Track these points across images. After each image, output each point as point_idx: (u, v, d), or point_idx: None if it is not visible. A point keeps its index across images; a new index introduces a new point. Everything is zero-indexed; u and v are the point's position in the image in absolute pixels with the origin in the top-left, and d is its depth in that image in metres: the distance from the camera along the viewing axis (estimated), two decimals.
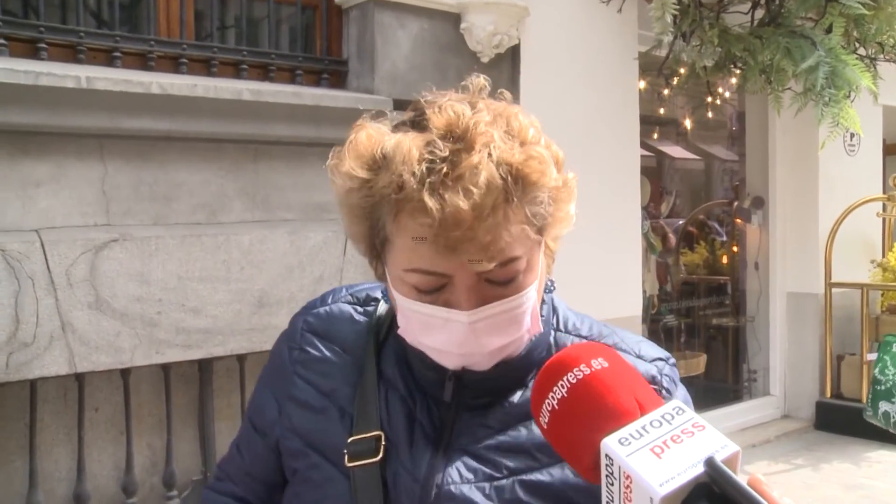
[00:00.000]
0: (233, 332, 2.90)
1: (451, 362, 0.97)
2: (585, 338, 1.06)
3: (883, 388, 5.01)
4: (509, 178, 0.88)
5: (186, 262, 2.82)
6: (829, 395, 5.98)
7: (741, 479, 0.64)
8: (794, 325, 6.21)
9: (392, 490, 0.99)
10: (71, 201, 2.69)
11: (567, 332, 1.07)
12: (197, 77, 3.03)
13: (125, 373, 2.80)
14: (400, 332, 1.00)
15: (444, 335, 0.93)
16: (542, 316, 1.02)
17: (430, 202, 0.85)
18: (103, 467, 2.86)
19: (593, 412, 0.73)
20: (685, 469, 0.65)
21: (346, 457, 1.00)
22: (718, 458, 0.65)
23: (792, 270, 6.25)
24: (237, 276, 2.93)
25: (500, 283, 0.92)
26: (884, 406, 4.99)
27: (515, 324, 0.95)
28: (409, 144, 0.89)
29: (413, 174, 0.87)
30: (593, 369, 0.75)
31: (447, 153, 0.87)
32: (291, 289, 3.05)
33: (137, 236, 2.73)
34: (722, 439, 0.68)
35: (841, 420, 5.81)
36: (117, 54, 2.91)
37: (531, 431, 0.99)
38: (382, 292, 1.14)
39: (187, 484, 3.01)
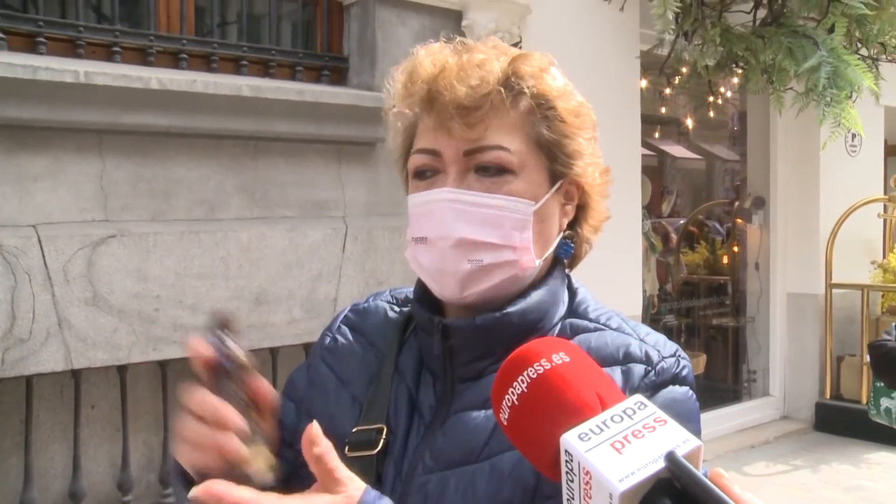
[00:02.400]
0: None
1: (430, 259, 0.99)
2: (591, 320, 1.05)
3: (882, 383, 5.00)
4: (511, 71, 0.98)
5: (184, 258, 2.80)
6: (828, 396, 5.98)
7: (701, 474, 0.63)
8: (794, 325, 6.21)
9: (384, 484, 0.98)
10: (69, 196, 2.68)
11: (580, 317, 1.07)
12: (197, 73, 3.02)
13: (122, 369, 2.78)
14: (408, 240, 1.03)
15: (429, 221, 0.99)
16: (546, 285, 1.03)
17: (422, 89, 0.98)
18: (99, 464, 2.85)
19: (553, 408, 0.72)
20: (645, 464, 0.63)
21: (346, 447, 1.00)
22: (680, 453, 0.64)
23: (792, 271, 6.25)
24: (235, 273, 2.91)
25: (487, 174, 0.98)
26: (885, 402, 4.98)
27: (495, 226, 0.98)
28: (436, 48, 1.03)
29: (433, 63, 0.99)
30: (554, 364, 0.74)
31: (449, 59, 0.99)
32: (290, 286, 3.04)
33: (135, 232, 2.72)
34: (683, 434, 0.66)
35: (840, 421, 5.81)
36: (117, 49, 2.89)
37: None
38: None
39: None
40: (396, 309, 1.16)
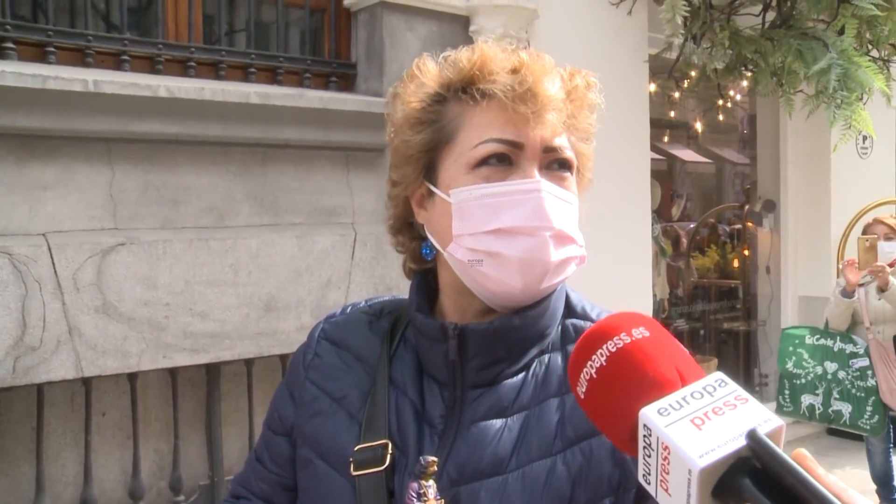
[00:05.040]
0: (240, 336, 2.89)
1: (521, 248, 0.96)
2: (591, 320, 1.05)
3: (803, 381, 4.97)
4: (574, 85, 1.01)
5: (194, 265, 2.81)
6: None
7: (785, 453, 0.61)
8: None
9: (398, 499, 0.97)
10: (78, 205, 2.69)
11: (580, 317, 1.07)
12: (205, 80, 3.03)
13: (132, 377, 2.79)
14: (455, 236, 0.99)
15: (520, 211, 0.96)
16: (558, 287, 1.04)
17: (513, 81, 0.96)
18: (110, 472, 2.85)
19: (633, 382, 0.71)
20: (726, 441, 0.62)
21: (351, 465, 0.99)
22: (762, 432, 0.62)
23: (803, 274, 6.21)
24: (245, 280, 2.91)
25: (558, 169, 0.99)
26: (807, 399, 4.95)
27: (573, 221, 0.99)
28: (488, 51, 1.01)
29: (495, 69, 0.98)
30: (634, 338, 0.73)
31: (522, 55, 0.99)
32: (299, 293, 3.04)
33: (145, 240, 2.73)
34: (766, 413, 0.64)
35: None
36: (125, 58, 2.90)
37: (529, 420, 0.98)
38: (396, 305, 1.16)
39: (195, 489, 2.99)
40: (375, 320, 1.14)
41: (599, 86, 1.06)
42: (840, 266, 5.23)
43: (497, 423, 0.97)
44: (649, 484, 0.67)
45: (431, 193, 1.03)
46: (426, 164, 1.03)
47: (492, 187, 0.97)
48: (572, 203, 1.00)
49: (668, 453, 0.64)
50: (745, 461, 0.62)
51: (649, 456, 0.66)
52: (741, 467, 0.62)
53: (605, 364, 0.73)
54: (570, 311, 1.07)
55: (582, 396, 0.75)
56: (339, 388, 1.07)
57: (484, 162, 0.97)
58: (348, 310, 1.17)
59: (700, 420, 0.64)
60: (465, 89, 0.99)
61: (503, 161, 0.97)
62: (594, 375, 0.73)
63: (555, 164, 0.99)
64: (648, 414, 0.66)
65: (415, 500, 0.92)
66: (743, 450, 0.62)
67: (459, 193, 0.98)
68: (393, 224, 1.13)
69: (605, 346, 0.74)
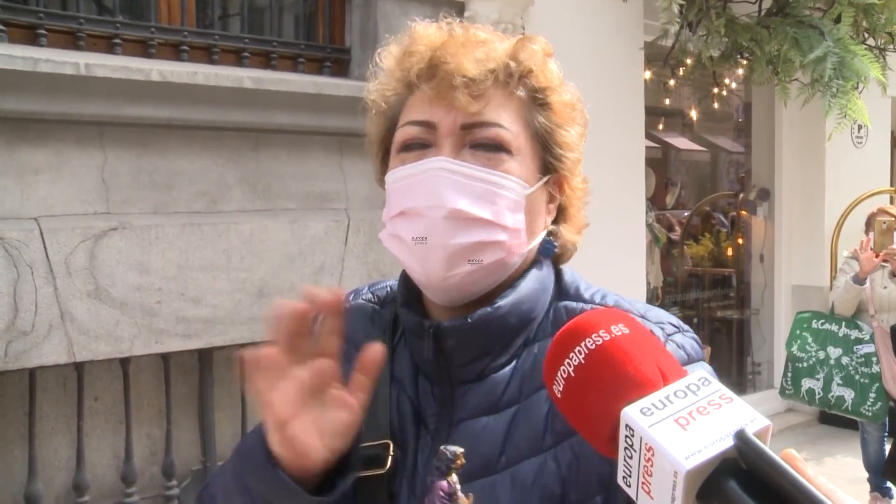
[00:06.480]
0: (233, 321, 2.89)
1: (415, 230, 0.93)
2: (585, 301, 1.00)
3: (805, 364, 5.00)
4: (514, 53, 0.97)
5: (186, 250, 2.80)
6: None
7: (775, 453, 0.59)
8: None
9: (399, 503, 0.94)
10: (70, 189, 2.67)
11: (573, 299, 1.01)
12: (198, 64, 3.01)
13: (125, 362, 2.78)
14: (383, 221, 0.99)
15: (418, 191, 0.93)
16: (531, 273, 0.99)
17: (425, 62, 0.95)
18: (102, 457, 2.85)
19: (613, 380, 0.68)
20: (712, 442, 0.60)
21: None
22: (749, 432, 0.60)
23: (797, 263, 6.23)
24: (237, 266, 2.91)
25: (484, 150, 0.94)
26: (807, 383, 4.98)
27: (490, 202, 0.93)
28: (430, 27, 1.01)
29: (435, 34, 0.98)
30: (613, 335, 0.70)
31: (460, 30, 0.98)
32: (292, 278, 3.03)
33: (137, 225, 2.72)
34: (751, 412, 0.62)
35: None
36: (117, 41, 2.88)
37: (518, 416, 0.94)
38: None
39: (187, 474, 3.00)
40: (379, 309, 1.09)
41: (554, 60, 1.03)
42: (843, 252, 5.23)
43: (485, 420, 0.94)
44: (629, 486, 0.65)
45: None
46: (382, 155, 1.03)
47: (401, 170, 0.95)
48: (495, 183, 0.93)
49: (653, 455, 0.62)
50: (730, 462, 0.60)
51: (630, 457, 0.64)
52: (726, 469, 0.60)
53: (583, 362, 0.70)
54: (561, 292, 1.02)
55: (558, 395, 0.72)
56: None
57: (406, 146, 0.96)
58: (352, 297, 1.13)
59: (685, 420, 0.62)
60: (407, 82, 0.99)
61: (420, 144, 0.95)
62: (572, 374, 0.70)
63: (478, 144, 0.94)
64: (631, 414, 0.64)
65: (447, 501, 0.86)
66: (730, 451, 0.60)
67: (388, 179, 0.98)
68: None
69: (583, 344, 0.70)
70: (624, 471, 0.66)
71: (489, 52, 0.95)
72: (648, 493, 0.63)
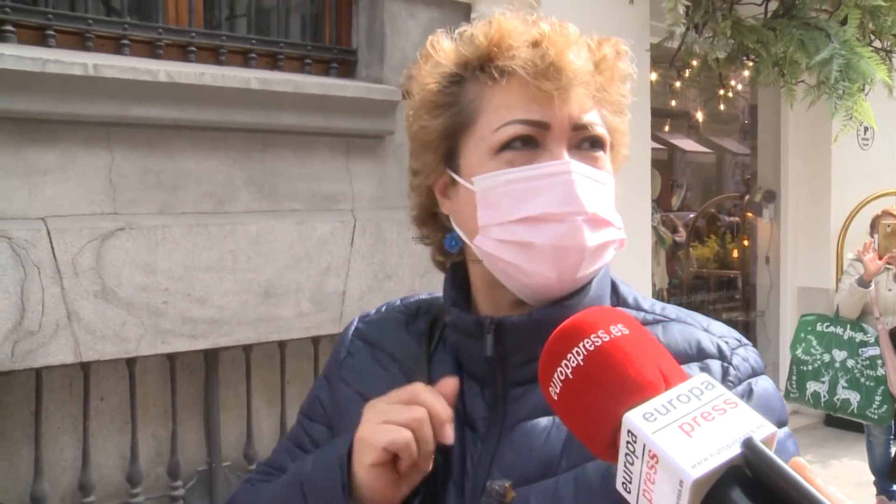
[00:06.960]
0: (239, 322, 2.89)
1: (552, 235, 0.89)
2: (646, 311, 0.98)
3: (809, 368, 4.98)
4: (602, 55, 0.94)
5: (193, 251, 2.80)
6: None
7: (783, 462, 0.57)
8: None
9: None
10: (78, 189, 2.68)
11: (633, 308, 0.99)
12: (205, 65, 3.01)
13: (131, 362, 2.79)
14: (481, 227, 0.92)
15: (545, 196, 0.89)
16: (598, 275, 0.97)
17: (535, 56, 0.89)
18: (108, 457, 2.86)
19: (613, 384, 0.66)
20: (719, 450, 0.58)
21: None
22: (757, 439, 0.58)
23: (803, 265, 6.21)
24: (244, 266, 2.91)
25: (590, 148, 0.92)
26: (812, 386, 4.97)
27: (608, 204, 0.92)
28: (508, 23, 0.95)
29: (515, 43, 0.92)
30: (613, 336, 0.68)
31: (544, 27, 0.93)
32: (298, 279, 3.04)
33: (144, 225, 2.72)
34: (757, 418, 0.61)
35: None
36: (125, 42, 2.89)
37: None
38: (432, 304, 1.10)
39: (192, 474, 3.00)
40: (412, 320, 1.08)
41: (631, 54, 0.98)
42: (848, 255, 5.22)
43: (543, 421, 0.90)
44: (629, 493, 0.64)
45: (455, 182, 0.96)
46: (447, 150, 0.96)
47: (517, 172, 0.90)
48: (606, 183, 0.92)
49: (657, 462, 0.60)
50: (735, 470, 0.59)
51: (632, 463, 0.63)
52: (731, 476, 0.58)
53: (581, 364, 0.68)
54: (618, 300, 1.01)
55: (555, 398, 0.70)
56: (374, 391, 0.96)
57: (508, 145, 0.90)
58: (383, 309, 1.12)
59: (689, 426, 0.60)
60: (482, 67, 0.93)
61: (528, 143, 0.90)
62: (570, 376, 0.68)
63: (585, 142, 0.92)
64: (633, 419, 0.62)
65: None
66: (736, 458, 0.58)
67: (483, 181, 0.91)
68: (417, 215, 1.05)
69: (581, 345, 0.68)
70: (624, 477, 0.64)
71: (582, 49, 0.93)
72: (650, 500, 0.61)
